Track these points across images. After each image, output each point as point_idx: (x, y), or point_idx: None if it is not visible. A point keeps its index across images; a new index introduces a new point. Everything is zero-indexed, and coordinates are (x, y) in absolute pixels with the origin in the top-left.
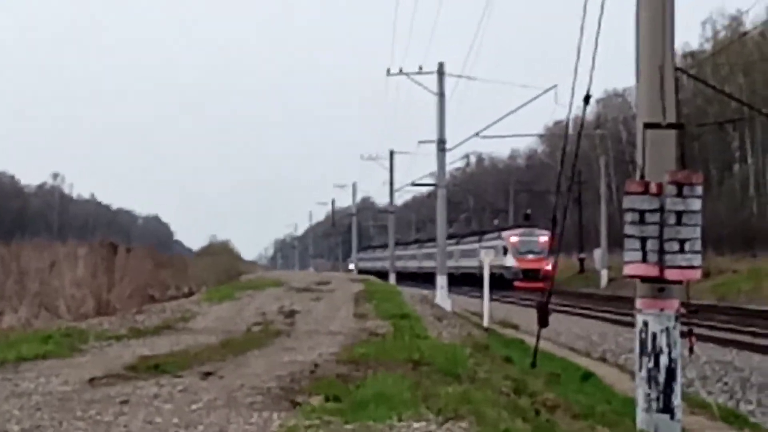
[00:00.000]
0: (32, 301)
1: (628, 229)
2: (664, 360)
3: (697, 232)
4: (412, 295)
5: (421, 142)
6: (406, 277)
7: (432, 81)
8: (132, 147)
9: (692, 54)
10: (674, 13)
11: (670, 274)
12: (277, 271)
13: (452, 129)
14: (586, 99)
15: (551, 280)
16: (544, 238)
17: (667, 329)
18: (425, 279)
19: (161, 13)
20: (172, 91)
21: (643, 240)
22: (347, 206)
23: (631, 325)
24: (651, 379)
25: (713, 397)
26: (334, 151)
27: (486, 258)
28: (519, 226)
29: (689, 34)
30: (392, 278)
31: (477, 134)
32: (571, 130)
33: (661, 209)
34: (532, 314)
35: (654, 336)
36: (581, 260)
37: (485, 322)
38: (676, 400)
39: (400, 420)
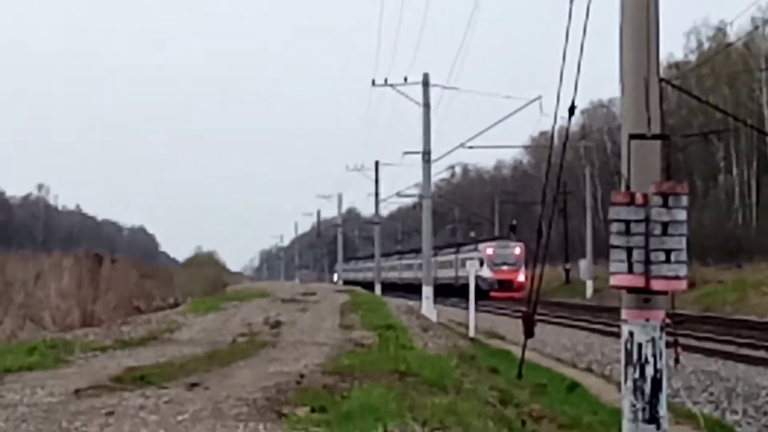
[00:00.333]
0: (17, 312)
1: (614, 240)
2: (649, 370)
3: (683, 242)
4: (397, 305)
5: (406, 153)
6: (391, 288)
7: (417, 92)
8: (117, 158)
9: (677, 65)
10: (659, 23)
11: (656, 285)
12: (263, 282)
13: (438, 140)
14: (571, 110)
15: (536, 292)
16: (517, 250)
17: (653, 339)
18: (406, 290)
19: (145, 23)
20: (156, 102)
21: (629, 250)
22: (333, 217)
23: (617, 335)
24: (637, 389)
25: (699, 407)
26: (319, 162)
27: (471, 269)
28: (494, 239)
29: (674, 45)
30: (378, 289)
31: (462, 145)
32: (556, 141)
33: (647, 220)
34: (518, 324)
35: (640, 346)
36: (567, 271)
37: (471, 333)
38: (662, 411)
39: (386, 431)
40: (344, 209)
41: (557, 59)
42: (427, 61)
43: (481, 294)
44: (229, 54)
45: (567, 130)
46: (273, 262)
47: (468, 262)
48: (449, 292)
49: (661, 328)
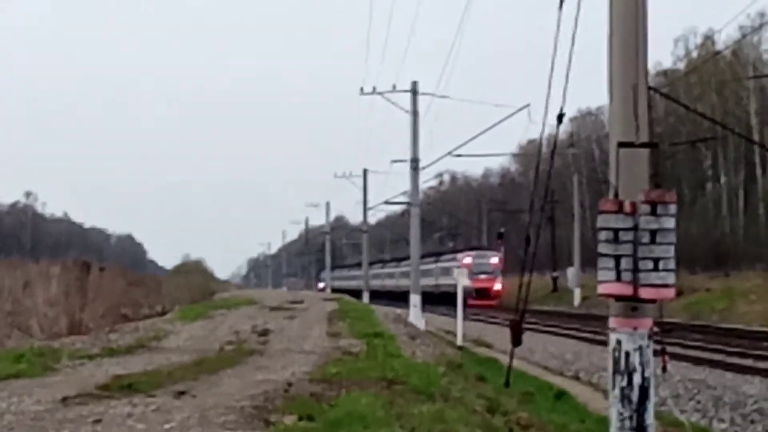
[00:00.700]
0: (5, 320)
1: (602, 248)
2: (637, 379)
3: (671, 250)
4: (385, 313)
5: (394, 161)
6: (378, 296)
7: (405, 100)
8: (105, 166)
9: (665, 73)
10: (647, 32)
11: (644, 293)
12: (251, 290)
13: (426, 148)
14: (560, 118)
15: (524, 300)
16: (494, 259)
17: (641, 348)
18: (392, 297)
19: (131, 28)
20: (145, 109)
21: (617, 258)
22: (321, 225)
23: (605, 343)
24: (624, 397)
25: (686, 415)
26: (307, 170)
27: (460, 278)
28: (473, 249)
29: (662, 53)
30: (366, 297)
31: (450, 153)
32: (544, 149)
33: (635, 228)
34: (506, 333)
35: (627, 355)
36: (554, 279)
37: (459, 341)
38: (650, 419)
39: None
40: (332, 217)
41: (546, 67)
42: (416, 68)
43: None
44: (216, 62)
45: (555, 137)
46: (261, 270)
47: (456, 271)
48: (429, 299)
49: (649, 337)
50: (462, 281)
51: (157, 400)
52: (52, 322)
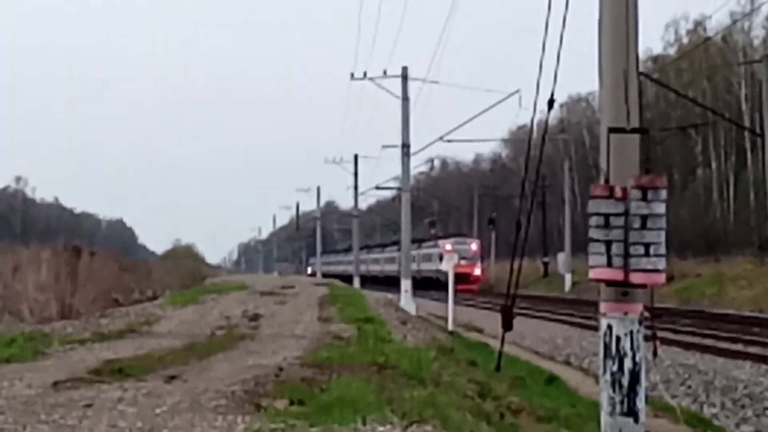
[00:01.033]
0: None
1: (593, 233)
2: (628, 363)
3: (662, 236)
4: (376, 298)
5: (385, 146)
6: (369, 281)
7: (396, 85)
8: (95, 151)
9: (656, 58)
10: (638, 17)
11: (635, 278)
12: (242, 275)
13: (417, 133)
14: (550, 103)
15: (514, 285)
16: (474, 246)
17: (631, 333)
18: (378, 282)
19: (120, 14)
20: (135, 96)
21: (608, 244)
22: (312, 210)
23: (595, 328)
24: (615, 382)
25: (677, 400)
26: (298, 155)
27: (450, 262)
28: (453, 235)
29: (652, 38)
30: (357, 282)
31: (441, 138)
32: (535, 135)
33: (626, 213)
34: (497, 318)
35: (618, 339)
36: (545, 264)
37: (450, 326)
38: (640, 404)
39: (364, 423)
40: (323, 202)
41: (537, 53)
42: (407, 53)
43: (442, 285)
44: (207, 48)
45: (546, 123)
46: (251, 255)
47: (446, 256)
48: (414, 283)
49: (640, 322)
50: (451, 266)
51: (147, 384)
52: (43, 307)
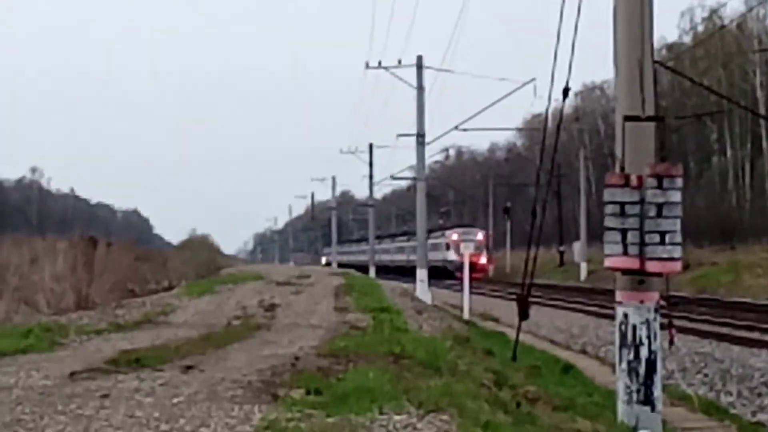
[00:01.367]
0: (12, 295)
1: (609, 222)
2: (644, 352)
3: (677, 224)
4: (392, 288)
5: (400, 135)
6: (384, 271)
7: (411, 74)
8: (111, 141)
9: (671, 46)
10: (653, 5)
11: (651, 266)
12: (257, 265)
13: (432, 122)
14: (565, 92)
15: (530, 274)
16: (480, 236)
17: (647, 321)
18: (395, 272)
19: (141, 9)
20: (151, 86)
21: (624, 232)
22: (327, 200)
23: (611, 317)
24: (631, 371)
25: (693, 388)
26: (313, 144)
27: (465, 252)
28: (459, 226)
29: (667, 26)
30: (372, 272)
31: (456, 127)
32: (549, 123)
33: (642, 201)
34: (513, 307)
35: (634, 328)
36: (561, 253)
37: (465, 315)
38: (657, 392)
39: (381, 413)
40: (338, 192)
41: (552, 41)
42: (421, 43)
43: (449, 274)
44: (221, 38)
45: (561, 111)
46: (267, 245)
47: (462, 245)
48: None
49: (656, 310)
50: (466, 256)
51: (164, 374)
52: (59, 298)
